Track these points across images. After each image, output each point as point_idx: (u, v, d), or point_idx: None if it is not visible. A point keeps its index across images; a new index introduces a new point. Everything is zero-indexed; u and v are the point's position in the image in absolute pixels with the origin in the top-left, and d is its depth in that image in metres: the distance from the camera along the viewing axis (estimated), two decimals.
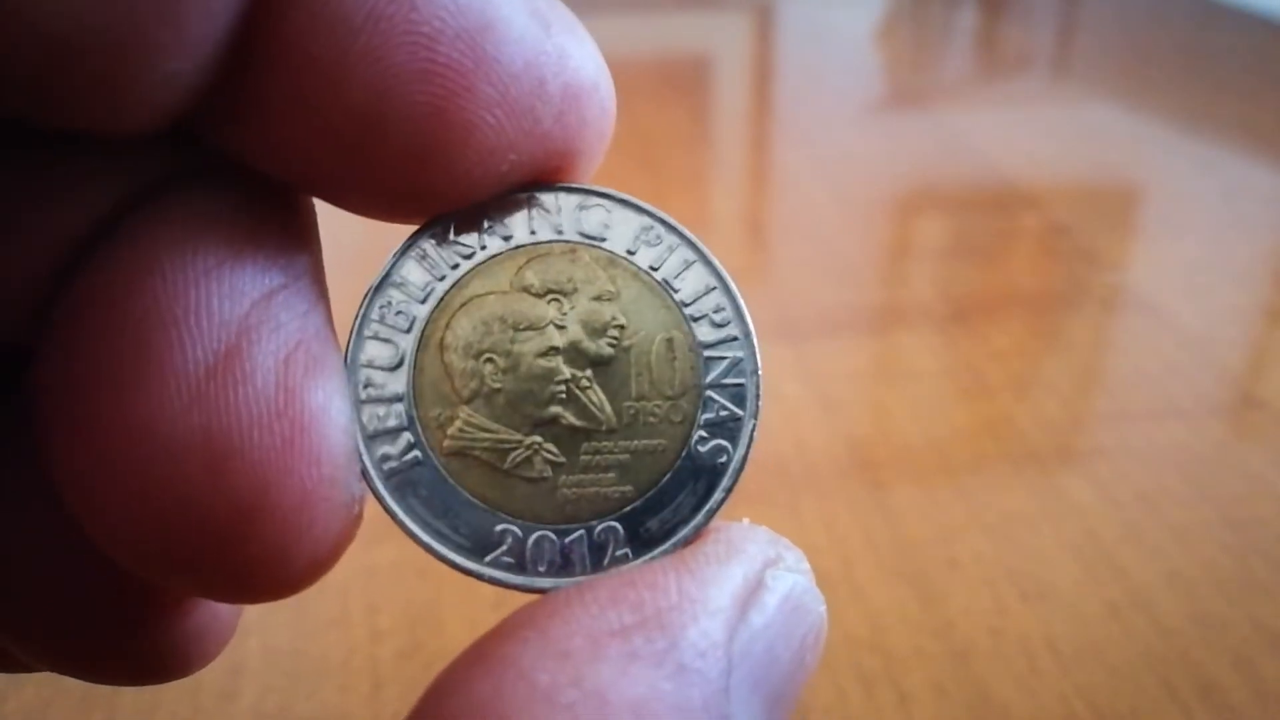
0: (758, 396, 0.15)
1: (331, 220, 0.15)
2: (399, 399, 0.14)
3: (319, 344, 0.13)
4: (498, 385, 0.14)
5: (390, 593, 0.36)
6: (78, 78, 0.11)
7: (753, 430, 0.15)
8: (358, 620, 0.35)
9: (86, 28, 0.11)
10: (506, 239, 0.15)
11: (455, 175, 0.13)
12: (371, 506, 0.15)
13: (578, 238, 0.15)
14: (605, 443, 0.15)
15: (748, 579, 0.13)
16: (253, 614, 0.35)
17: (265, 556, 0.13)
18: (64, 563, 0.14)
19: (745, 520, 0.15)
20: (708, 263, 0.15)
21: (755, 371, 0.15)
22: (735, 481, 0.15)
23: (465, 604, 0.36)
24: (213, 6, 0.11)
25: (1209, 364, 0.51)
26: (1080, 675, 0.34)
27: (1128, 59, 0.98)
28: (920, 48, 1.05)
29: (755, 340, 0.15)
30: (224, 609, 0.16)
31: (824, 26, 1.06)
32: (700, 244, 0.15)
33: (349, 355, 0.14)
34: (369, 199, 0.14)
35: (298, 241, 0.14)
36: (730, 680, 0.12)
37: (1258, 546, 0.39)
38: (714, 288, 0.15)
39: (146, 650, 0.16)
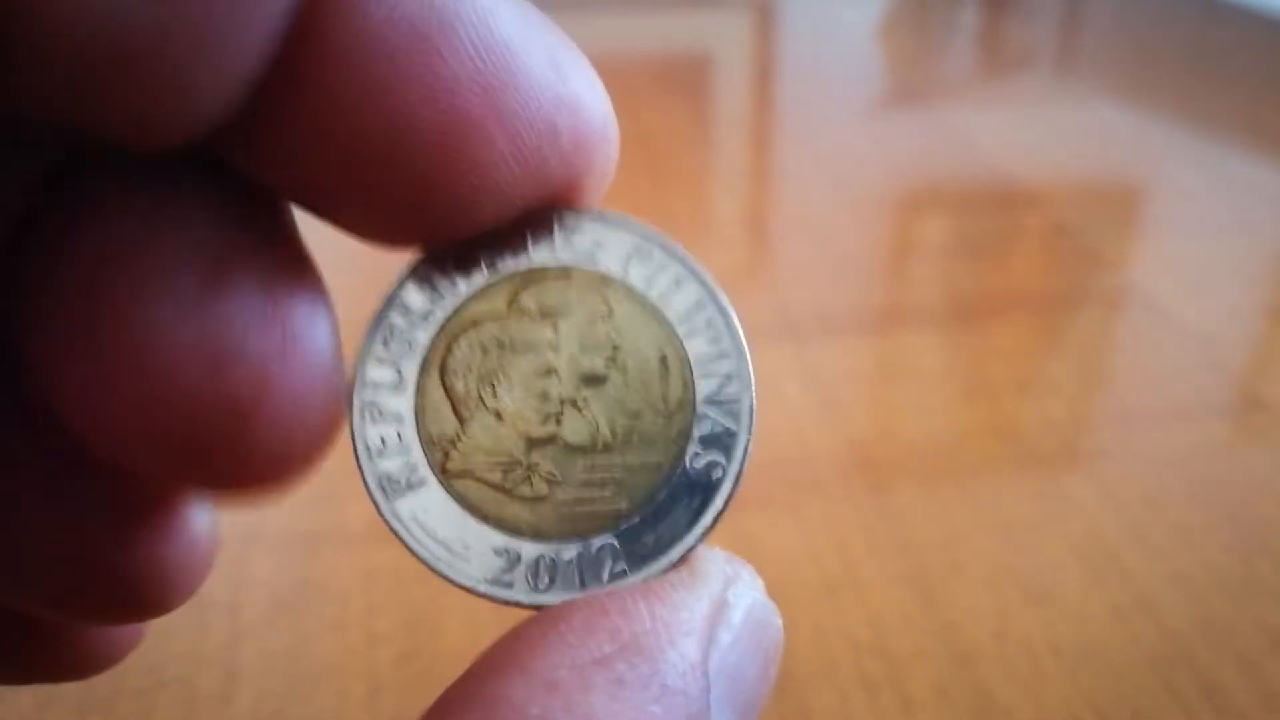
0: (751, 411, 0.15)
1: (339, 247, 0.16)
2: (402, 422, 0.15)
3: (295, 262, 0.14)
4: (496, 406, 0.15)
5: (388, 596, 0.36)
6: (101, 102, 0.11)
7: (747, 445, 0.15)
8: (355, 624, 0.35)
9: (120, 56, 0.11)
10: (502, 264, 0.15)
11: (461, 212, 0.14)
12: (370, 512, 0.15)
13: (570, 259, 0.15)
14: (602, 460, 0.15)
15: (714, 599, 0.14)
16: (249, 617, 0.35)
17: (265, 450, 0.14)
18: (34, 482, 0.15)
19: (700, 545, 0.15)
20: (699, 279, 0.15)
21: (748, 386, 0.15)
22: (731, 496, 0.15)
23: (464, 608, 0.35)
24: (247, 46, 0.12)
25: (1214, 364, 0.50)
26: (1084, 678, 0.34)
27: (1132, 57, 0.98)
28: (922, 46, 1.04)
29: (748, 355, 0.15)
30: (202, 538, 0.17)
31: (825, 24, 1.05)
32: (691, 260, 0.15)
33: (355, 379, 0.15)
34: (371, 228, 0.14)
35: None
36: (709, 697, 0.13)
37: (1263, 548, 0.39)
38: (705, 304, 0.15)
39: (127, 574, 0.16)
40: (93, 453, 0.14)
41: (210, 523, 0.17)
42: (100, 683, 0.32)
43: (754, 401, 0.15)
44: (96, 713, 0.31)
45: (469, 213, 0.14)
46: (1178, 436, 0.45)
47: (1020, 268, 0.60)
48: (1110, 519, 0.40)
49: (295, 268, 0.14)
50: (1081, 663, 0.34)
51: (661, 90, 0.86)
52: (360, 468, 0.14)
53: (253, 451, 0.14)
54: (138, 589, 0.16)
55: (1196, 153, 0.76)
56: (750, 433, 0.15)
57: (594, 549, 0.15)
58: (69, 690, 0.32)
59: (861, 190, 0.69)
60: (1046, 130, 0.79)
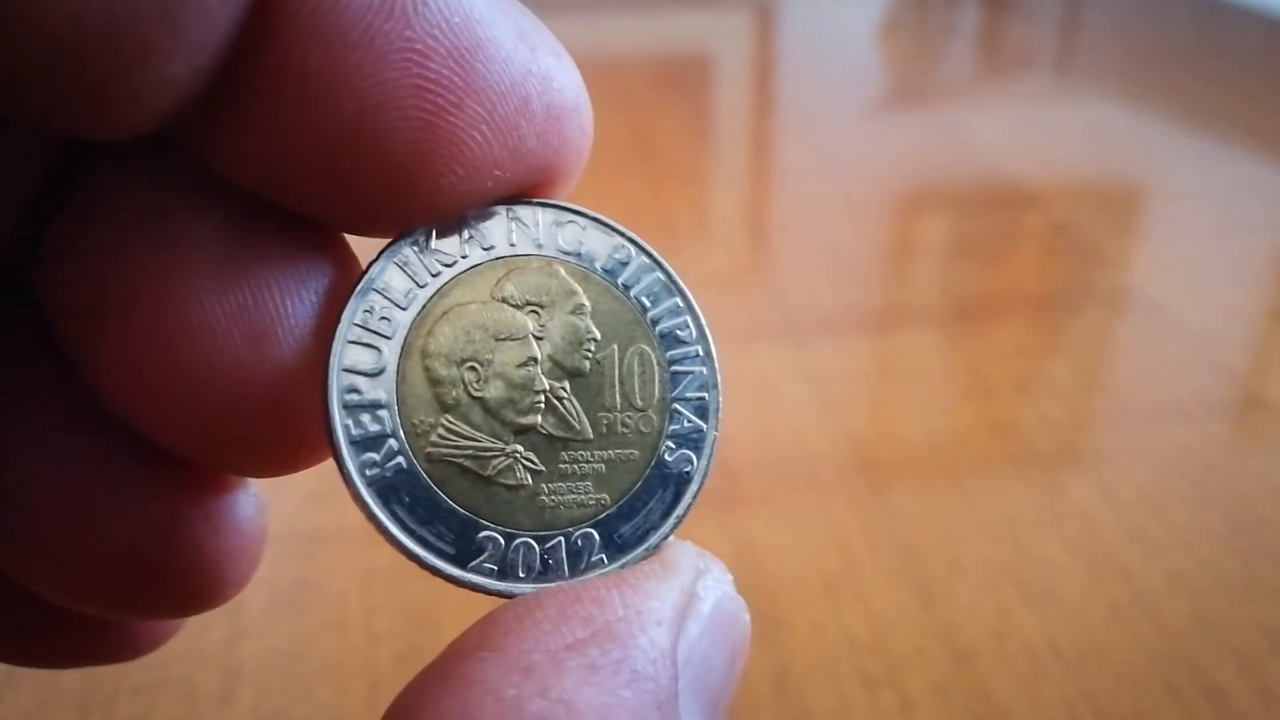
0: (718, 410, 0.16)
1: None
2: (382, 405, 0.15)
3: (317, 234, 0.15)
4: (479, 393, 0.15)
5: (388, 595, 0.36)
6: (71, 76, 0.11)
7: (714, 442, 0.16)
8: (355, 623, 0.35)
9: (86, 27, 0.11)
10: (487, 249, 0.15)
11: (441, 189, 0.14)
12: None
13: (555, 253, 0.15)
14: (582, 452, 0.15)
15: (684, 590, 0.14)
16: (250, 617, 0.35)
17: (309, 427, 0.14)
18: (90, 474, 0.15)
19: (672, 537, 0.15)
20: (673, 283, 0.16)
21: (716, 386, 0.16)
22: (700, 489, 0.16)
23: (463, 606, 0.35)
24: (212, 13, 0.12)
25: (1213, 364, 0.50)
26: (1083, 678, 0.34)
27: (1131, 58, 0.98)
28: (922, 46, 1.04)
29: (715, 357, 0.16)
30: (250, 529, 0.17)
31: (825, 24, 1.05)
32: (666, 265, 0.16)
33: (331, 358, 0.14)
34: (351, 212, 0.14)
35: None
36: (678, 686, 0.13)
37: (1262, 547, 0.39)
38: (679, 306, 0.16)
39: (180, 566, 0.16)
40: (141, 435, 0.14)
41: (258, 514, 0.17)
42: (100, 682, 0.32)
43: (720, 401, 0.16)
44: (96, 712, 0.32)
45: (448, 190, 0.14)
46: (1177, 436, 0.45)
47: (1020, 268, 0.60)
48: (1109, 519, 0.40)
49: (318, 239, 0.14)
50: (1081, 662, 0.34)
51: (661, 90, 0.86)
52: (338, 453, 0.14)
53: (297, 428, 0.14)
54: (191, 580, 0.16)
55: (1197, 153, 0.76)
56: (717, 430, 0.16)
57: (574, 538, 0.15)
58: (69, 689, 0.32)
59: (861, 190, 0.69)
60: (1046, 130, 0.79)
